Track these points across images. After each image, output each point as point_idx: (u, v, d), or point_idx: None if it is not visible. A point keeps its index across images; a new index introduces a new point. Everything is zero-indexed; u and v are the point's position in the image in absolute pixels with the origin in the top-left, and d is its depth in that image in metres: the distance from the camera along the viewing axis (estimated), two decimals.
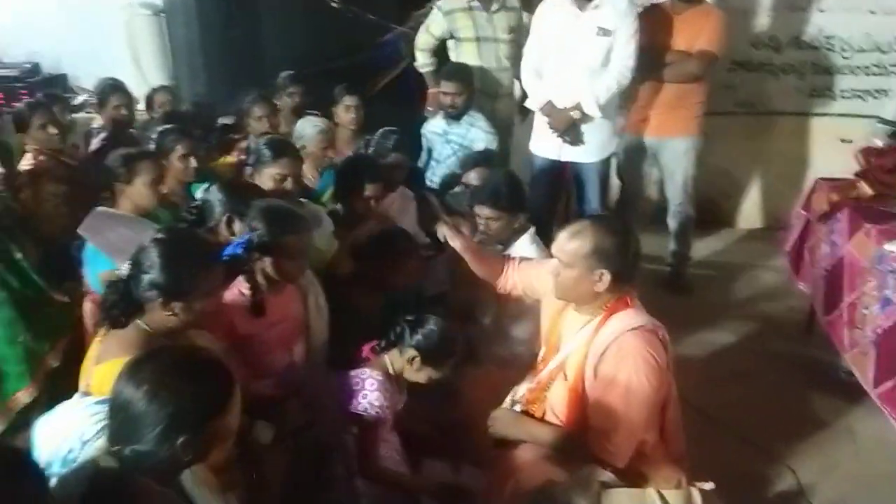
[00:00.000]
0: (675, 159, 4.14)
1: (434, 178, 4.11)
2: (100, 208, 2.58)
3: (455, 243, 2.48)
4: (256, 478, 1.86)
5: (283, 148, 2.80)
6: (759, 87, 5.04)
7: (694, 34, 3.87)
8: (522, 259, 2.51)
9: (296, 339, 2.40)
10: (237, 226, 2.34)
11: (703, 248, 4.87)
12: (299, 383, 2.31)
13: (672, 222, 4.32)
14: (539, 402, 2.25)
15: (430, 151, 4.22)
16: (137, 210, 2.71)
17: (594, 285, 2.05)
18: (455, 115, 4.03)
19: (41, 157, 3.26)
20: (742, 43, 4.92)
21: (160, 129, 3.24)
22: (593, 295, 2.09)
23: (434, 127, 4.19)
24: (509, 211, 2.81)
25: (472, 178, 3.46)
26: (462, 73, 4.07)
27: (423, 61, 4.51)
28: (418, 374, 2.24)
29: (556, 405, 2.20)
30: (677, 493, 2.03)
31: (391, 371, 2.25)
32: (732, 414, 3.05)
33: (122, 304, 1.79)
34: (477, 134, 4.02)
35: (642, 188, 4.44)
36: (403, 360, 2.23)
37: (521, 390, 2.33)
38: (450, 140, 4.07)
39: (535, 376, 2.31)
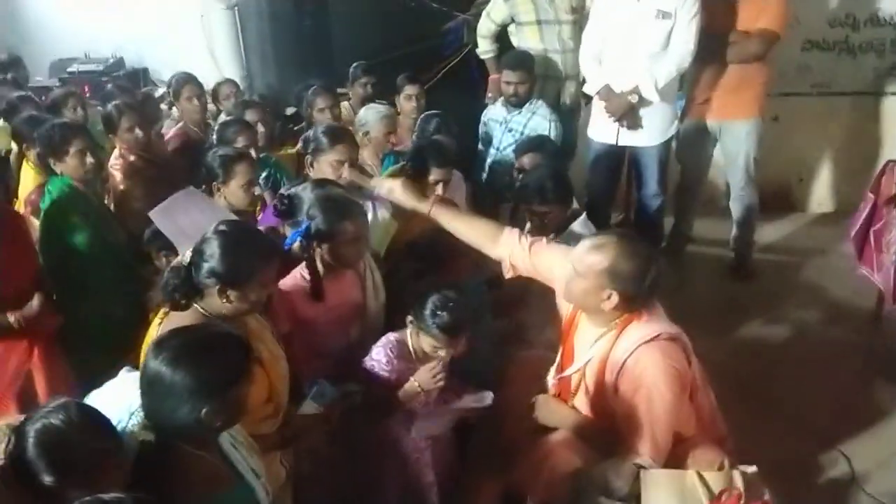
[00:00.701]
0: (737, 142, 4.05)
1: (495, 166, 4.11)
2: (185, 191, 2.62)
3: (403, 200, 2.42)
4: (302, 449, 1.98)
5: (340, 135, 2.90)
6: (834, 67, 4.85)
7: (755, 13, 3.76)
8: (536, 241, 2.37)
9: (353, 322, 2.50)
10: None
11: (771, 232, 4.76)
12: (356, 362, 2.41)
13: (735, 207, 4.24)
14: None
15: (488, 139, 4.22)
16: (230, 209, 2.79)
17: (601, 303, 2.04)
18: (517, 104, 4.02)
19: (131, 157, 3.47)
20: (817, 22, 4.75)
21: (221, 121, 3.38)
22: (598, 310, 2.08)
23: (494, 115, 4.18)
24: (558, 203, 2.85)
25: (526, 163, 3.48)
26: (524, 62, 4.04)
27: (484, 48, 4.52)
28: (424, 345, 2.29)
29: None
30: (717, 474, 2.04)
31: (409, 340, 2.34)
32: (791, 400, 3.02)
33: (182, 287, 1.91)
34: (538, 122, 3.99)
35: (704, 172, 4.35)
36: (415, 330, 2.31)
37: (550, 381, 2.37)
38: (511, 128, 4.06)
39: (556, 375, 2.33)
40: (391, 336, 2.36)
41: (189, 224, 2.43)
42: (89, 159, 2.84)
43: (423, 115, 3.72)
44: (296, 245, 2.35)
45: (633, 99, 3.68)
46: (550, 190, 2.84)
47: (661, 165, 3.99)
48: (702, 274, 4.36)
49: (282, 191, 2.73)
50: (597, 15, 3.84)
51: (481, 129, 4.26)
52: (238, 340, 1.68)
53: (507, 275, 2.44)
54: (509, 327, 2.86)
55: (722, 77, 3.93)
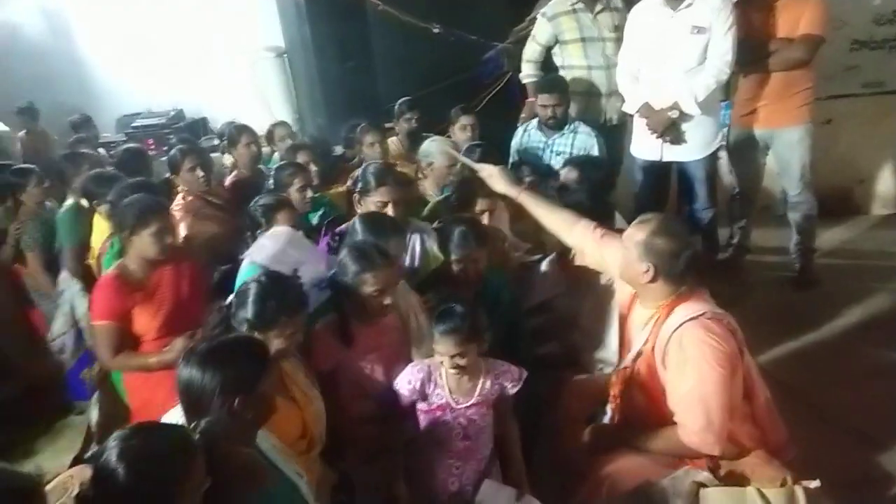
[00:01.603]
0: (788, 150, 4.00)
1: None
2: (281, 228, 2.84)
3: (498, 186, 2.67)
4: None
5: (384, 175, 2.98)
6: (884, 65, 4.75)
7: (795, 18, 3.73)
8: (606, 233, 2.53)
9: (395, 363, 2.44)
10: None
11: (832, 237, 4.67)
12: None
13: (792, 214, 4.17)
14: (623, 398, 2.31)
15: (521, 167, 4.09)
16: None
17: (641, 275, 2.17)
18: (554, 126, 4.04)
19: (189, 197, 3.66)
20: (863, 21, 4.68)
21: (277, 165, 3.54)
22: (644, 285, 2.20)
23: (533, 142, 4.16)
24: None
25: (568, 179, 3.48)
26: (558, 84, 4.09)
27: (528, 72, 4.55)
28: (437, 357, 2.27)
29: (640, 403, 2.26)
30: (779, 491, 2.01)
31: (436, 363, 2.33)
32: (858, 413, 2.93)
33: (221, 327, 2.14)
34: (584, 139, 3.99)
35: (758, 181, 4.31)
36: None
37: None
38: (557, 151, 4.05)
39: (617, 371, 2.37)
40: (425, 360, 2.37)
41: (281, 255, 2.61)
42: (168, 239, 2.71)
43: (466, 146, 3.78)
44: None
45: (674, 115, 3.69)
46: (588, 210, 2.82)
47: (709, 178, 3.97)
48: (762, 283, 4.28)
49: (336, 229, 2.87)
50: (631, 33, 3.87)
51: (513, 157, 4.23)
52: (258, 342, 1.90)
53: (577, 262, 2.67)
54: (559, 351, 2.88)
55: (767, 85, 3.90)
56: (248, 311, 2.10)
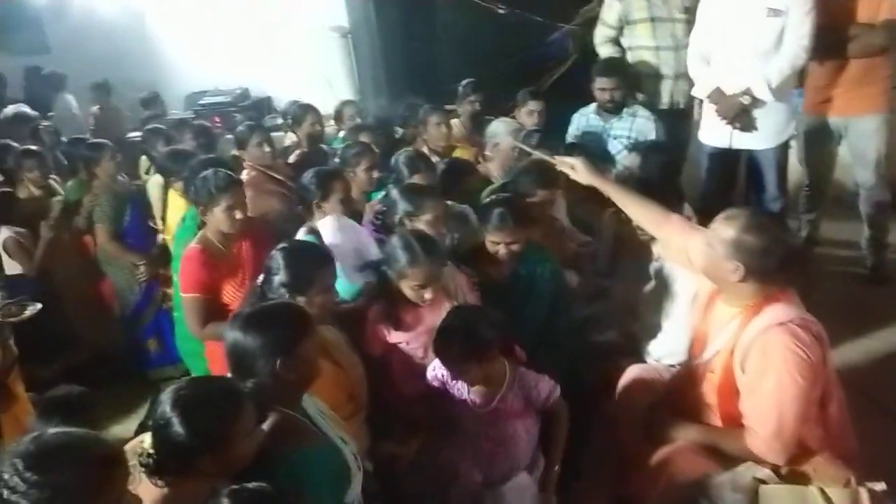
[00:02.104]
0: (864, 139, 3.85)
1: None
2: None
3: (582, 178, 2.51)
4: None
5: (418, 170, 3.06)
6: None
7: (876, 3, 3.57)
8: (695, 227, 2.42)
9: None
10: (408, 224, 2.62)
11: None
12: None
13: (865, 207, 4.03)
14: (689, 395, 2.27)
15: (577, 147, 3.96)
16: None
17: (729, 274, 2.04)
18: (612, 110, 3.98)
19: (253, 173, 3.74)
20: None
21: (344, 145, 3.58)
22: (730, 284, 2.08)
23: (591, 127, 4.10)
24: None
25: (634, 166, 3.44)
26: (616, 67, 4.02)
27: (604, 53, 4.42)
28: None
29: (709, 401, 2.21)
30: (842, 491, 1.95)
31: None
32: None
33: (256, 300, 2.17)
34: (643, 123, 3.93)
35: (829, 172, 4.15)
36: None
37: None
38: (615, 136, 4.00)
39: (689, 360, 2.32)
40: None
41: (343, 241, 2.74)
42: (238, 215, 2.77)
43: (524, 132, 3.73)
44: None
45: (746, 100, 3.58)
46: (657, 190, 2.73)
47: (780, 167, 3.84)
48: (831, 277, 4.14)
49: (376, 207, 2.92)
50: (704, 14, 3.75)
51: (569, 139, 4.14)
52: (298, 307, 1.96)
53: (662, 253, 2.63)
54: (617, 339, 2.85)
55: (844, 72, 3.74)
56: (283, 276, 2.16)
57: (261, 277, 2.26)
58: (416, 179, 2.96)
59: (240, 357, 1.77)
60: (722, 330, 2.15)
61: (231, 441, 1.56)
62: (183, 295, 2.79)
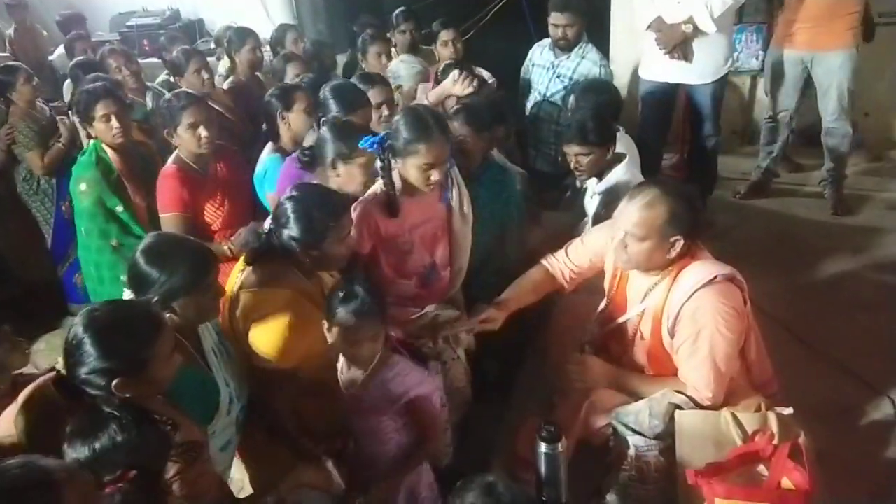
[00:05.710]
0: (829, 74, 3.89)
1: (541, 113, 3.97)
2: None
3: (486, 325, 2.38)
4: None
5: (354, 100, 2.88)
6: None
7: None
8: (568, 245, 2.49)
9: (437, 242, 2.47)
10: (340, 168, 2.44)
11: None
12: (442, 286, 2.49)
13: (826, 139, 4.10)
14: (617, 350, 2.34)
15: (530, 85, 4.05)
16: (296, 139, 2.91)
17: (668, 252, 2.06)
18: (565, 48, 3.86)
19: None
20: None
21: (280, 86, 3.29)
22: (666, 262, 2.10)
23: (540, 60, 4.02)
24: (598, 145, 2.77)
25: (576, 104, 3.39)
26: (573, 3, 3.84)
27: None
28: None
29: (641, 362, 2.28)
30: (752, 415, 2.07)
31: None
32: (843, 345, 2.93)
33: (261, 250, 2.09)
34: (588, 67, 3.82)
35: (793, 106, 4.17)
36: None
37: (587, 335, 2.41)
38: (559, 74, 3.89)
39: (605, 325, 2.37)
40: None
41: None
42: (203, 132, 2.74)
43: (444, 64, 3.59)
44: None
45: (688, 29, 3.55)
46: (591, 131, 2.75)
47: (716, 104, 3.86)
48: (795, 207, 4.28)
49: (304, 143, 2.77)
50: None
51: (523, 73, 4.12)
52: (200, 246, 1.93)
53: (569, 289, 2.52)
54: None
55: (812, 7, 3.78)
56: (295, 230, 2.02)
57: (267, 223, 2.11)
58: (352, 118, 2.75)
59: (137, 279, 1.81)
60: (643, 295, 2.19)
61: (146, 365, 1.53)
62: (162, 216, 2.78)
